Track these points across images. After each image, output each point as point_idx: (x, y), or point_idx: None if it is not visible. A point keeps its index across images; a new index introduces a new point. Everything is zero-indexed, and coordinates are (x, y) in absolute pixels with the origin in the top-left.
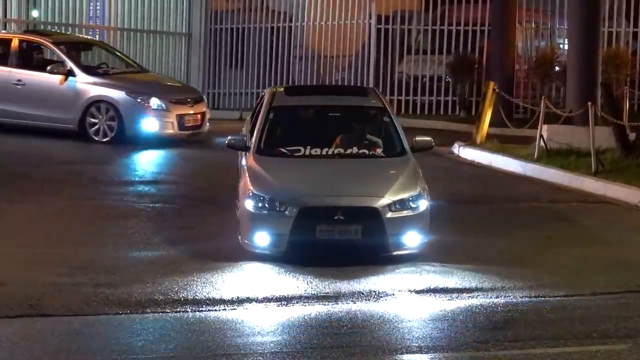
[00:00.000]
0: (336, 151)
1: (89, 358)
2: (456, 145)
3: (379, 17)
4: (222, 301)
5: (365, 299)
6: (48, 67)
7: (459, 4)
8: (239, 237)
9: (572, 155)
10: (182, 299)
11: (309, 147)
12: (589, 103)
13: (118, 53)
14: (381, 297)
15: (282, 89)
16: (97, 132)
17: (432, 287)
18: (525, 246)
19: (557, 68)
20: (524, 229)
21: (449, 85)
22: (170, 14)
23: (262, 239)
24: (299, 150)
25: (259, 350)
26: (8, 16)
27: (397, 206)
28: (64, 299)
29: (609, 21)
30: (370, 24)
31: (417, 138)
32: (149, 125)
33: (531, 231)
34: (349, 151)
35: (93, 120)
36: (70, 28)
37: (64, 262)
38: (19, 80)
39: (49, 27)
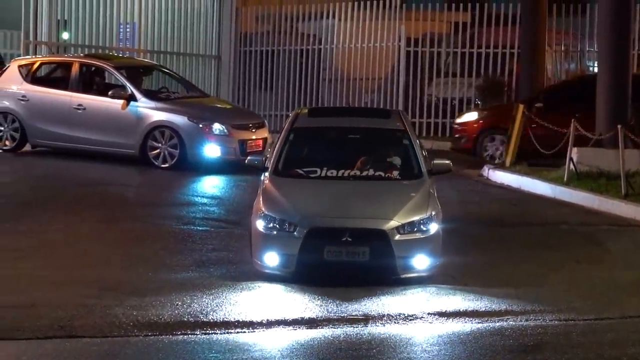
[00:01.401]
0: (352, 173)
1: None
2: (485, 167)
3: (408, 40)
4: (251, 323)
5: (390, 321)
6: (109, 92)
7: (488, 27)
8: (252, 257)
9: (601, 178)
10: (212, 321)
11: (325, 168)
12: (619, 126)
13: (179, 77)
14: (402, 319)
15: (305, 111)
16: (158, 158)
17: (460, 310)
18: (555, 269)
19: None
20: (553, 251)
21: (479, 107)
22: (200, 37)
23: (272, 259)
24: (315, 172)
25: None
26: (39, 38)
27: (407, 229)
28: (94, 320)
29: (639, 43)
30: (399, 47)
31: (436, 161)
32: (211, 150)
33: (560, 254)
34: (364, 173)
35: (154, 145)
36: (100, 50)
37: (93, 283)
38: (79, 105)
39: (79, 48)
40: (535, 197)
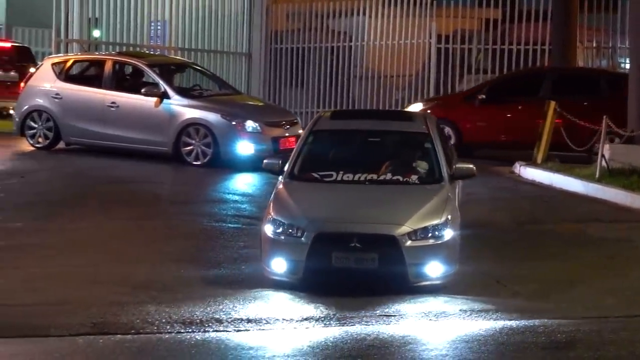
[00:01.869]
0: (368, 177)
1: None
2: (517, 164)
3: (439, 37)
4: (283, 320)
5: (417, 321)
6: (142, 90)
7: (519, 23)
8: (261, 263)
9: (634, 175)
10: (244, 317)
11: (341, 172)
12: None
13: (211, 75)
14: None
15: (328, 113)
16: (191, 155)
17: (489, 308)
18: (587, 266)
19: None
20: (585, 249)
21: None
22: (231, 34)
23: (279, 265)
24: (331, 175)
25: None
26: (70, 36)
27: (419, 235)
28: (126, 317)
29: None
30: (430, 44)
31: (458, 165)
32: (244, 148)
33: (592, 251)
34: (381, 177)
35: (188, 142)
36: (131, 48)
37: (125, 280)
38: (113, 103)
39: (110, 46)
40: (566, 194)
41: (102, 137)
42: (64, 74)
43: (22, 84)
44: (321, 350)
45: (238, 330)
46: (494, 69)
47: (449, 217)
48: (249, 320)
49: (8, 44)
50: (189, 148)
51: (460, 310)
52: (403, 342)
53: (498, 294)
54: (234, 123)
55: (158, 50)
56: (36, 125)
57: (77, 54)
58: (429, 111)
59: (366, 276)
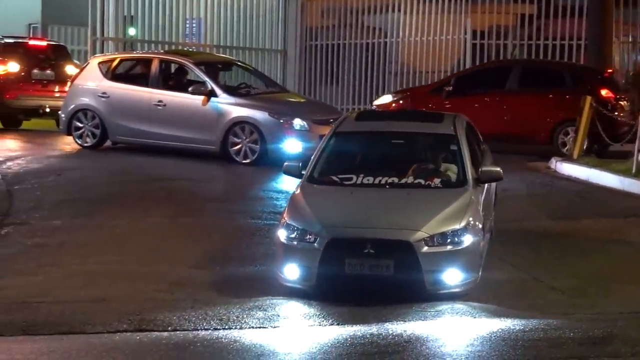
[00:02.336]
0: (389, 180)
1: None
2: (553, 160)
3: (474, 32)
4: (317, 315)
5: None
6: (190, 88)
7: (554, 19)
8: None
9: None
10: (281, 315)
11: (362, 175)
12: None
13: (257, 72)
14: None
15: (354, 114)
16: (239, 153)
17: (521, 305)
18: (624, 262)
19: None
20: (622, 245)
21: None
22: (266, 32)
23: (292, 271)
24: (351, 179)
25: None
26: (105, 35)
27: (437, 240)
28: (163, 314)
29: None
30: (465, 39)
31: (484, 168)
32: (291, 146)
33: (629, 247)
34: (403, 180)
35: (235, 141)
36: (167, 46)
37: (162, 278)
38: (159, 102)
39: (146, 44)
40: (603, 189)
41: (149, 135)
42: (111, 73)
43: (68, 83)
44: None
45: (275, 327)
46: None
47: (470, 222)
48: (284, 318)
49: (44, 43)
50: (236, 147)
51: (495, 306)
52: (433, 340)
53: (534, 290)
54: (281, 121)
55: (193, 47)
56: (83, 125)
57: (123, 53)
58: (394, 104)
59: (381, 283)
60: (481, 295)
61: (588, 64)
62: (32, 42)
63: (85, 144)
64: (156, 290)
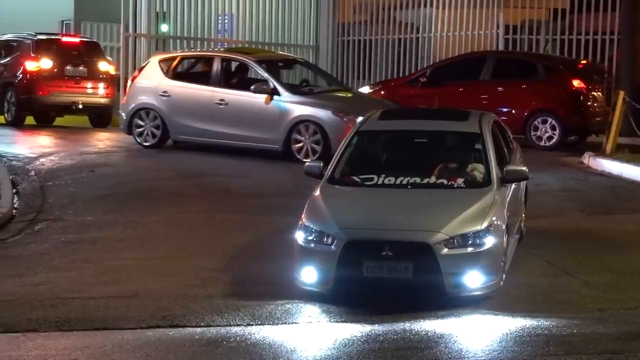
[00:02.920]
0: (411, 180)
1: None
2: (586, 155)
3: (506, 27)
4: (345, 313)
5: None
6: (252, 87)
7: (587, 13)
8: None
9: None
10: (314, 310)
11: (383, 175)
12: None
13: (320, 70)
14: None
15: (378, 113)
16: (301, 152)
17: (554, 300)
18: None
19: None
20: None
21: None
22: (298, 27)
23: (309, 274)
24: (372, 179)
25: None
26: (138, 31)
27: (457, 242)
28: (196, 310)
29: None
30: (498, 34)
31: (509, 168)
32: None
33: None
34: (425, 181)
35: (298, 139)
36: (199, 42)
37: (195, 273)
38: (221, 100)
39: (178, 41)
40: (636, 184)
41: (211, 134)
42: (171, 72)
43: (128, 82)
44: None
45: (309, 322)
46: None
47: (492, 223)
48: (315, 313)
49: (77, 39)
50: (299, 145)
51: (528, 301)
52: (464, 336)
53: (567, 285)
54: (345, 120)
55: (225, 44)
56: (143, 124)
57: (185, 51)
58: (381, 92)
59: (400, 286)
60: (514, 290)
61: (567, 58)
62: (65, 39)
63: (146, 144)
64: (188, 286)
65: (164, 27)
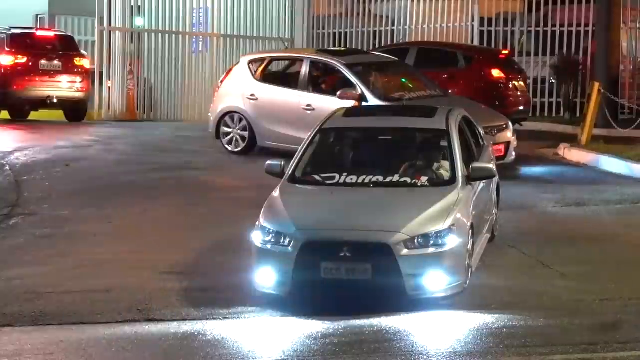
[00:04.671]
0: (373, 179)
1: None
2: (561, 146)
3: (481, 20)
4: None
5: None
6: (338, 93)
7: (562, 5)
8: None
9: None
10: (290, 302)
11: (345, 174)
12: None
13: (417, 74)
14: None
15: (343, 110)
16: None
17: (530, 291)
18: (633, 248)
19: None
20: (631, 230)
21: (554, 86)
22: (273, 20)
23: (266, 276)
24: (334, 178)
25: None
26: (113, 25)
27: (418, 242)
28: (172, 303)
29: None
30: (473, 27)
31: (475, 165)
32: None
33: (638, 233)
34: (388, 179)
35: None
36: (174, 35)
37: (171, 267)
38: (308, 105)
39: (153, 34)
40: (612, 175)
41: (298, 142)
42: (260, 74)
43: (219, 83)
44: None
45: (284, 316)
46: (537, 51)
47: (456, 223)
48: (293, 304)
49: (51, 33)
50: None
51: (505, 292)
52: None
53: (543, 276)
54: None
55: (200, 37)
56: (231, 129)
57: (273, 52)
58: None
59: (359, 289)
60: (490, 282)
61: (489, 48)
62: (39, 33)
63: (234, 150)
64: (164, 280)
65: (139, 21)
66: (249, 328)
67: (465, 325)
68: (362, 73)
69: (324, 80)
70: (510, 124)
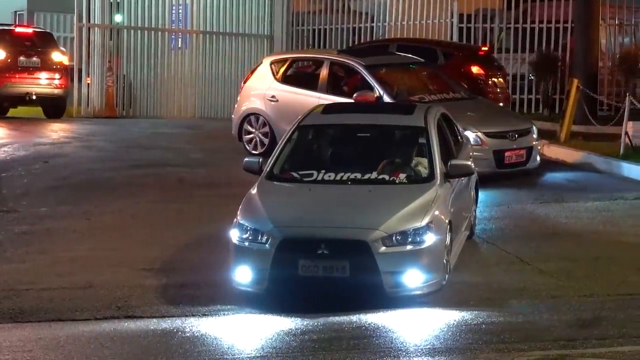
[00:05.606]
0: (351, 176)
1: None
2: (540, 143)
3: (460, 16)
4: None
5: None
6: (354, 95)
7: (541, 2)
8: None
9: None
10: (269, 298)
11: (323, 171)
12: None
13: (443, 76)
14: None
15: (321, 107)
16: None
17: (509, 287)
18: (611, 244)
19: None
20: (609, 226)
21: (532, 83)
22: (252, 17)
23: (244, 274)
24: (312, 175)
25: None
26: (91, 21)
27: (396, 240)
28: (151, 300)
29: None
30: (452, 23)
31: (453, 162)
32: None
33: (617, 228)
34: (366, 176)
35: None
36: (153, 32)
37: (149, 264)
38: None
39: (132, 31)
40: (590, 171)
41: None
42: (282, 74)
43: (242, 84)
44: None
45: (263, 313)
46: (517, 47)
47: (434, 220)
48: (273, 301)
49: (30, 30)
50: None
51: (483, 288)
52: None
53: (522, 273)
54: None
55: (180, 34)
56: (253, 130)
57: (295, 52)
58: None
59: (336, 286)
60: (469, 278)
61: (468, 44)
62: (18, 30)
63: (255, 152)
64: (143, 277)
65: (118, 17)
66: (228, 325)
67: (444, 321)
68: (382, 74)
69: (344, 81)
70: (534, 128)
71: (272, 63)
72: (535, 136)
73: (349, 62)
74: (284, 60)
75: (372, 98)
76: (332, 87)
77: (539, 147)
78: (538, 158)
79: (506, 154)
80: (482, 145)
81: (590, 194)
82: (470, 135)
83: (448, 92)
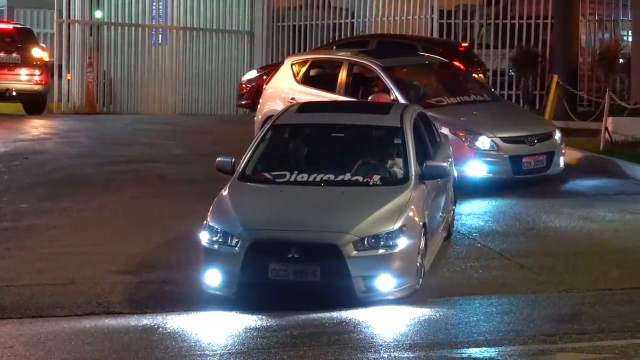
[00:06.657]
0: (325, 178)
1: (160, 356)
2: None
3: (441, 12)
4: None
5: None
6: (369, 97)
7: None
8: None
9: (638, 147)
10: (250, 297)
11: (296, 172)
12: None
13: (465, 76)
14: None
15: (296, 106)
16: None
17: (489, 282)
18: (591, 239)
19: (621, 60)
20: (589, 222)
21: (513, 79)
22: (233, 13)
23: (213, 277)
24: (284, 176)
25: None
26: (71, 17)
27: (368, 243)
28: (132, 297)
29: None
30: (432, 19)
31: (428, 163)
32: (474, 169)
33: (597, 224)
34: (340, 177)
35: None
36: (133, 28)
37: (130, 260)
38: None
39: (112, 27)
40: (571, 167)
41: None
42: (302, 76)
43: (264, 85)
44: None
45: (242, 312)
46: (497, 44)
47: (407, 223)
48: (255, 300)
49: (10, 26)
50: None
51: (464, 283)
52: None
53: (502, 268)
54: (463, 139)
55: (160, 30)
56: None
57: (316, 53)
58: (264, 77)
59: (307, 290)
60: (449, 273)
61: (449, 40)
62: None
63: None
64: (123, 273)
65: (98, 13)
66: (208, 321)
67: (425, 317)
68: (401, 76)
69: (362, 83)
70: (557, 132)
71: (292, 64)
72: (558, 141)
73: (367, 63)
74: (304, 61)
75: (387, 101)
76: (351, 88)
77: (563, 152)
78: (562, 163)
79: (524, 159)
80: (498, 151)
81: (570, 189)
82: (486, 140)
83: (469, 94)
